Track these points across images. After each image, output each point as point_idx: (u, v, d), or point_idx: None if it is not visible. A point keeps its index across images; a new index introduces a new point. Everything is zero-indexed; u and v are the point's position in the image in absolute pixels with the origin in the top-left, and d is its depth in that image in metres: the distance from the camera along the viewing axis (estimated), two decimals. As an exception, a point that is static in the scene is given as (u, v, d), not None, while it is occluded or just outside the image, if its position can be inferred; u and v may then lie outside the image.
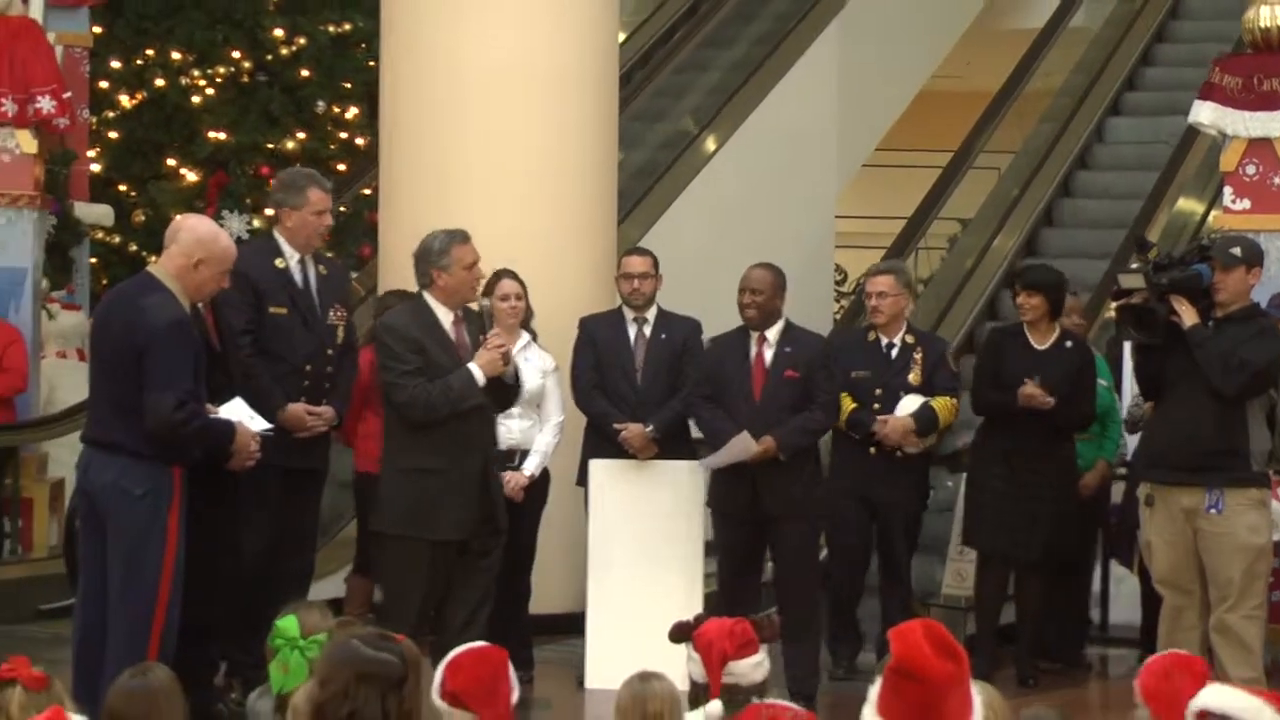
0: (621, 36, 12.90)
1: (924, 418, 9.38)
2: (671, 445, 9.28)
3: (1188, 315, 8.19)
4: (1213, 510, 8.15)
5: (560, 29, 10.34)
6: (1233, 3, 13.14)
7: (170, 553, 7.22)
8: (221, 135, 15.31)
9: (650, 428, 9.20)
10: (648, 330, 9.42)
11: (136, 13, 15.62)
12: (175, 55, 15.55)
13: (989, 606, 9.54)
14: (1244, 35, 10.74)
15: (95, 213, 13.30)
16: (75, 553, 8.28)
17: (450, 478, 7.92)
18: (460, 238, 8.07)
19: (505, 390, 8.17)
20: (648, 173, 14.12)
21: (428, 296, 8.10)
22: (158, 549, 7.21)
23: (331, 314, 8.41)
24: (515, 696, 4.60)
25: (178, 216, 8.07)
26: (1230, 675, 7.59)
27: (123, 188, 15.44)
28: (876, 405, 9.42)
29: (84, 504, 7.52)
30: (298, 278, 8.36)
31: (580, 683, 9.13)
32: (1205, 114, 10.60)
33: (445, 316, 8.07)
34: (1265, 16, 10.47)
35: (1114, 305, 8.79)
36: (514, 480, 8.87)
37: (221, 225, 8.93)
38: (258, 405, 7.78)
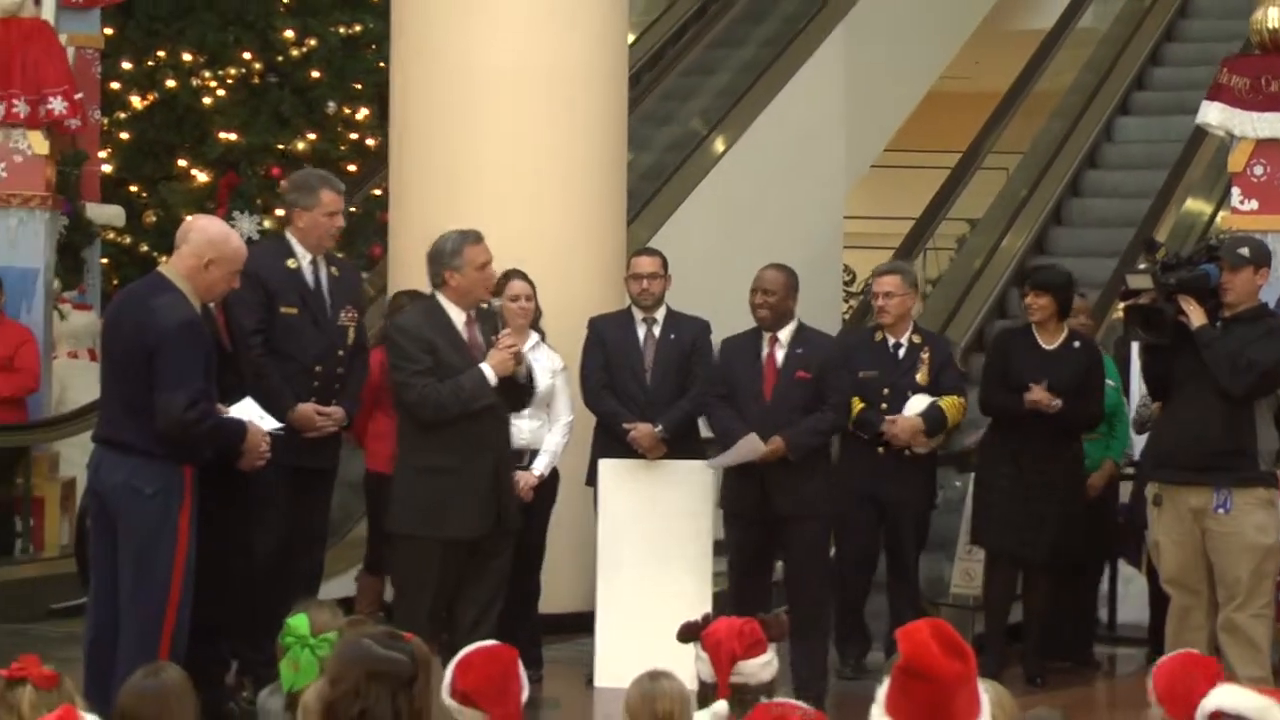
0: (631, 38, 12.91)
1: (932, 417, 9.39)
2: (681, 445, 9.28)
3: (1195, 315, 8.19)
4: (1220, 510, 8.15)
5: (570, 30, 10.35)
6: (1242, 1, 13.12)
7: (181, 552, 7.22)
8: (232, 136, 15.33)
9: (659, 427, 9.21)
10: (657, 330, 9.42)
11: (148, 14, 15.65)
12: (186, 56, 15.58)
13: (997, 606, 9.55)
14: (1252, 36, 10.73)
15: (106, 213, 13.33)
16: (86, 552, 8.28)
17: (462, 477, 7.93)
18: (473, 238, 8.08)
19: (519, 390, 8.17)
20: (657, 173, 14.11)
21: (440, 297, 8.10)
22: (169, 548, 7.21)
23: (343, 315, 8.42)
24: (525, 695, 4.62)
25: (189, 217, 8.10)
26: (1238, 675, 7.58)
27: (134, 188, 15.48)
28: (884, 405, 9.43)
29: (95, 503, 7.52)
30: (309, 278, 8.37)
31: (589, 681, 9.14)
32: (1213, 115, 10.61)
33: (458, 317, 8.08)
34: (1273, 18, 10.47)
35: (1122, 306, 8.81)
36: (523, 480, 8.86)
37: (232, 226, 8.93)
38: (268, 405, 7.78)
